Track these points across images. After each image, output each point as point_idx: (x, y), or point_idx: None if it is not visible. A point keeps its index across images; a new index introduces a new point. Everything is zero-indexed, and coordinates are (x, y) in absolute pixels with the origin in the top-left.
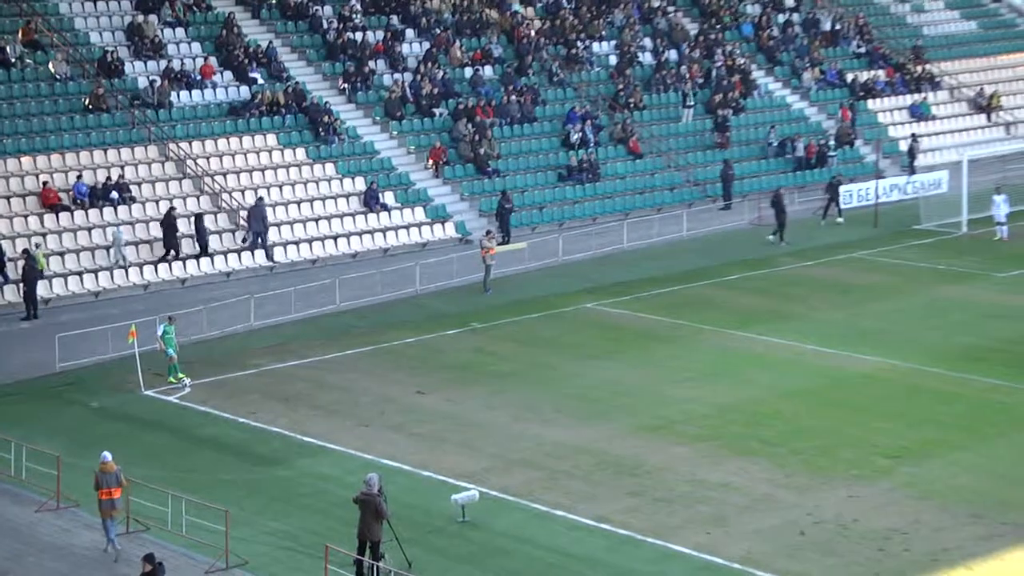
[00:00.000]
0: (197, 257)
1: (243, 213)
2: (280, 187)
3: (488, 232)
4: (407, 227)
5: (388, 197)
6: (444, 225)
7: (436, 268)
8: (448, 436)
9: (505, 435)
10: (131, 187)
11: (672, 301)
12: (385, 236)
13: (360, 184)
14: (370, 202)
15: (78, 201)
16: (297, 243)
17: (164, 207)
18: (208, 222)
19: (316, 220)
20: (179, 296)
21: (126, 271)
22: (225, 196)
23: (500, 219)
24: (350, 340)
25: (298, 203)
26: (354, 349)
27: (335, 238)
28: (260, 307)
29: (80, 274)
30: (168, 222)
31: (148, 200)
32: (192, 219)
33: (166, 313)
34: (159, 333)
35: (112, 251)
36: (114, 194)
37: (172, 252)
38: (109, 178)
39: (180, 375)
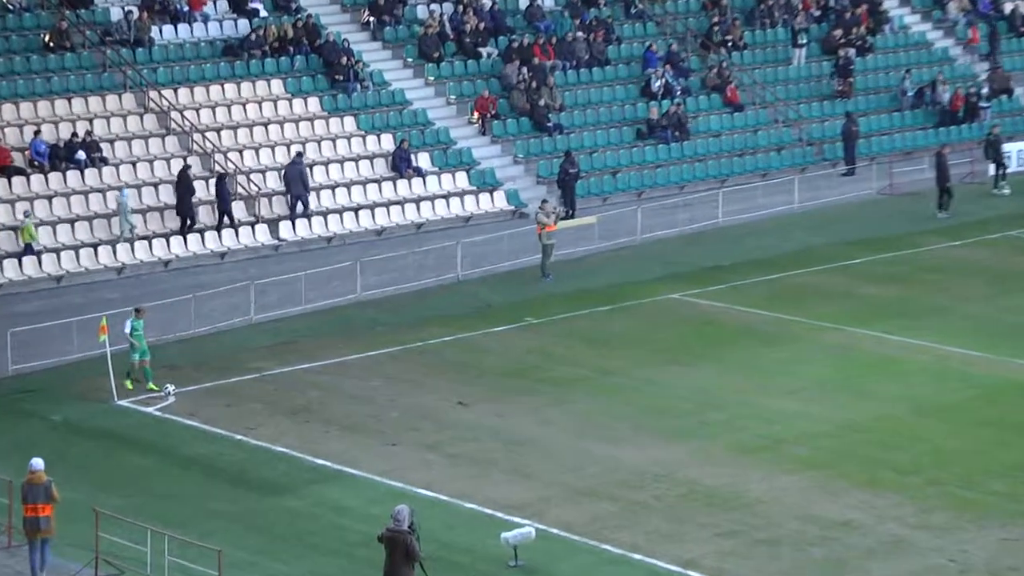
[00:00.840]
0: (218, 228)
1: (256, 178)
2: (287, 146)
3: (546, 204)
4: (446, 197)
5: (422, 159)
6: (492, 195)
7: (482, 248)
8: (496, 458)
9: (567, 457)
10: (101, 145)
11: (779, 291)
12: (419, 208)
13: (388, 143)
14: (400, 165)
15: (35, 163)
16: (308, 217)
17: (143, 171)
18: (200, 190)
19: (332, 188)
20: (159, 281)
21: (132, 246)
22: (219, 158)
23: (563, 187)
24: (374, 338)
25: (310, 166)
26: (379, 349)
27: (356, 210)
28: (262, 296)
29: (38, 254)
30: (184, 184)
31: (123, 162)
32: (213, 181)
33: (135, 304)
34: (126, 330)
35: (118, 220)
36: (80, 154)
37: (189, 221)
38: (75, 134)
39: (151, 384)
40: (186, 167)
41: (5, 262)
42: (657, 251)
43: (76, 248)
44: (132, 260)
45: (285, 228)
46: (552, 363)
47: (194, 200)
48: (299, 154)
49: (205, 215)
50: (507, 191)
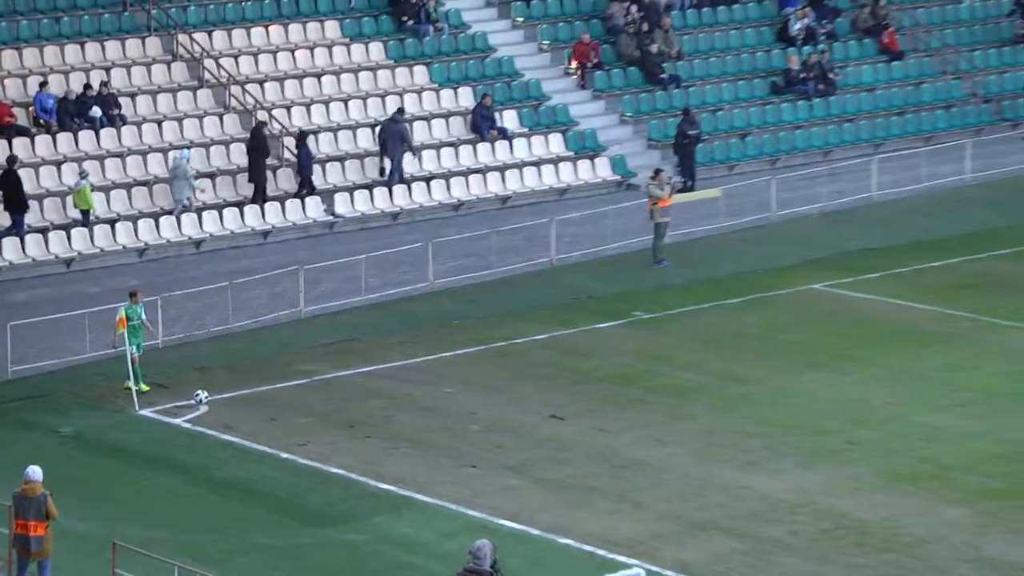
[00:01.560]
0: (301, 196)
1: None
2: (345, 102)
3: (660, 173)
4: (537, 164)
5: (509, 118)
6: (594, 162)
7: (581, 227)
8: (598, 484)
9: (685, 484)
10: (120, 100)
11: (947, 281)
12: (504, 177)
13: (466, 98)
14: (481, 126)
15: (41, 121)
16: (370, 187)
17: (171, 131)
18: (236, 155)
19: (341, 158)
20: (187, 266)
21: (200, 218)
22: (262, 115)
23: (680, 153)
24: (449, 336)
25: (371, 127)
26: (455, 349)
27: (427, 180)
28: (313, 284)
29: (43, 231)
30: (257, 142)
31: (146, 120)
32: (294, 138)
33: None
34: (118, 316)
35: (174, 186)
36: (95, 110)
37: (261, 192)
38: (88, 86)
39: (141, 385)
40: (260, 124)
41: (3, 243)
42: (795, 231)
43: (89, 225)
44: (157, 240)
45: (342, 202)
46: (666, 368)
47: (269, 163)
48: (400, 110)
49: (242, 186)
50: (612, 158)
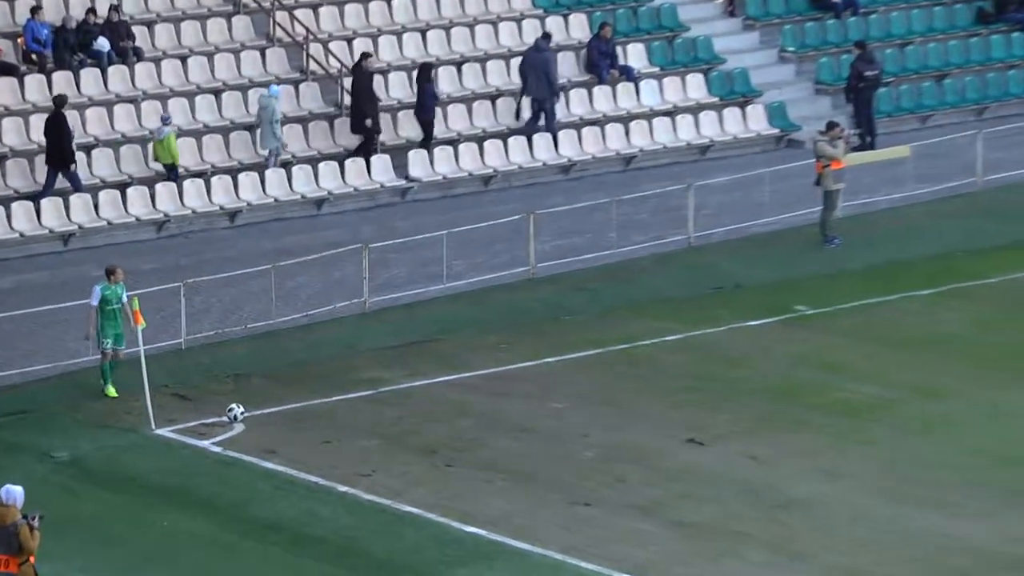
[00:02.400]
0: (428, 147)
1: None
2: (421, 32)
3: (833, 127)
4: (671, 114)
5: (634, 55)
6: (744, 111)
7: (728, 195)
8: (749, 529)
9: (862, 529)
10: (134, 29)
11: None
12: (627, 131)
13: (579, 28)
14: (599, 64)
15: (32, 56)
16: (454, 143)
17: (198, 67)
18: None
19: (491, 98)
20: (219, 243)
21: (235, 181)
22: (316, 49)
23: (857, 100)
24: (556, 336)
25: (457, 65)
26: (564, 353)
27: (528, 135)
28: (381, 267)
29: (34, 198)
30: (361, 83)
31: (167, 55)
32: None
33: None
34: (93, 301)
35: (259, 133)
36: (101, 42)
37: (375, 139)
38: (92, 11)
39: (109, 388)
40: (364, 56)
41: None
42: (1008, 202)
43: (93, 190)
44: (179, 210)
45: (417, 162)
46: (838, 379)
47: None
48: (546, 35)
49: (293, 140)
50: (769, 105)
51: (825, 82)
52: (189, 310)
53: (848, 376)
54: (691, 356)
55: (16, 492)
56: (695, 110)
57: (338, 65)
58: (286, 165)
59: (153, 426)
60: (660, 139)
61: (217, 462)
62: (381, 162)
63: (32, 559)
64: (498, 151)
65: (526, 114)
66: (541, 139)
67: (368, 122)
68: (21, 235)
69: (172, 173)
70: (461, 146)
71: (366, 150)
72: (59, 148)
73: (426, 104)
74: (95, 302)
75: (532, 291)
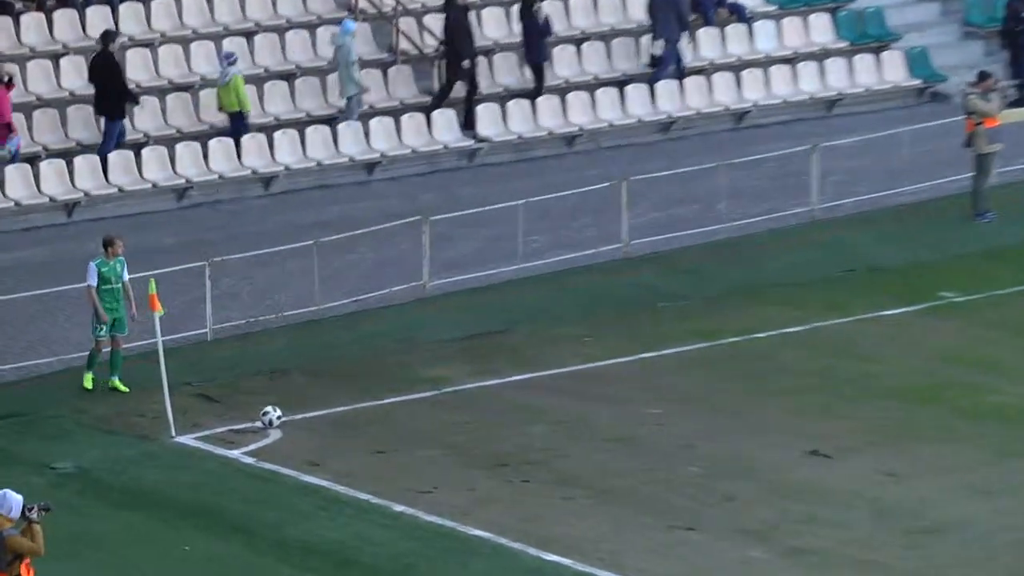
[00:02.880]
0: (534, 96)
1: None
2: None
3: (985, 78)
4: (791, 61)
5: None
6: (880, 57)
7: (858, 159)
8: (885, 558)
9: None
10: None
11: None
12: (739, 81)
13: None
14: (704, 2)
15: None
16: (680, 76)
17: (226, 5)
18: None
19: (576, 42)
20: (253, 215)
21: (270, 143)
22: None
23: (1013, 46)
24: (653, 328)
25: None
26: (661, 348)
27: (620, 85)
28: (444, 243)
29: (33, 160)
30: (455, 18)
31: None
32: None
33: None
34: (91, 280)
35: (341, 78)
36: None
37: (475, 85)
38: None
39: (116, 381)
40: None
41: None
42: None
43: (242, 130)
44: (204, 175)
45: (488, 118)
46: (994, 378)
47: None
48: None
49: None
50: (908, 51)
51: (975, 24)
52: (216, 294)
53: (1003, 376)
54: (815, 351)
55: (13, 499)
56: (819, 57)
57: (392, 2)
58: (331, 121)
59: (173, 432)
60: (777, 91)
61: (249, 475)
62: (444, 118)
63: (25, 564)
64: (583, 105)
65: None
66: (636, 91)
67: (466, 63)
68: (17, 204)
69: (239, 122)
70: (543, 100)
71: (467, 99)
72: (112, 92)
73: (533, 44)
74: (93, 281)
75: (624, 273)
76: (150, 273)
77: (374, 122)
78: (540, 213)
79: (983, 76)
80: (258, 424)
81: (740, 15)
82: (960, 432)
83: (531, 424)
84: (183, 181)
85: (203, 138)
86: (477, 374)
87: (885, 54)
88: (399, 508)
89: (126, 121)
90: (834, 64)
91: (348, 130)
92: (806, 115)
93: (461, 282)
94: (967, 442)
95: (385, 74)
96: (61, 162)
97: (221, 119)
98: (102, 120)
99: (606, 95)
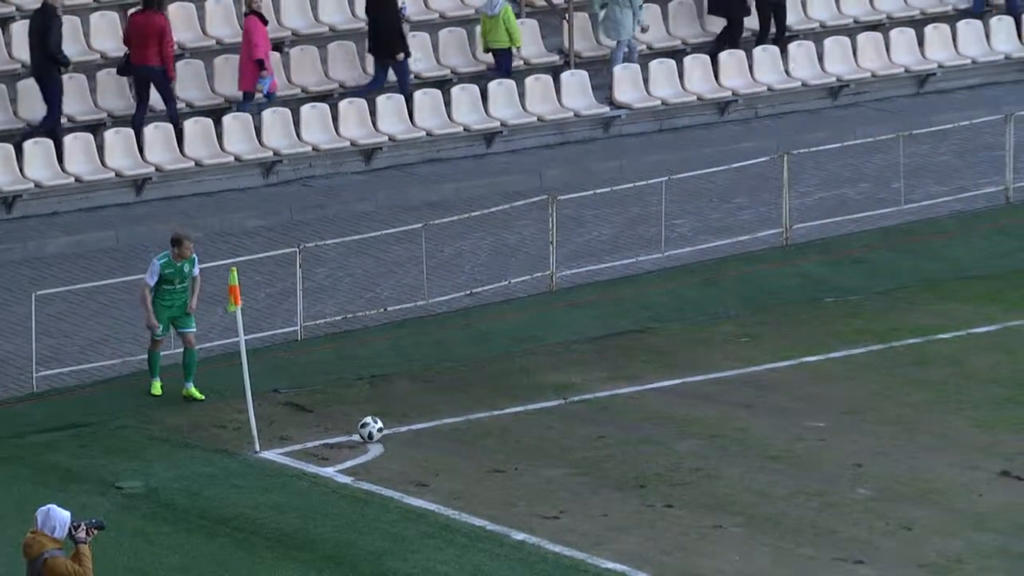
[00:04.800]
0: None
1: None
2: None
3: None
4: (982, 14)
5: None
6: None
7: None
8: None
9: None
10: None
11: None
12: (920, 40)
13: None
14: None
15: None
16: (678, 54)
17: None
18: None
19: None
20: (350, 194)
21: (447, 99)
22: None
23: None
24: (818, 326)
25: None
26: (828, 352)
27: (782, 40)
28: (572, 227)
29: (74, 130)
30: None
31: None
32: None
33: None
34: (150, 279)
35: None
36: None
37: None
38: None
39: (190, 388)
40: None
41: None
42: None
43: (166, 120)
44: (295, 147)
45: (626, 83)
46: None
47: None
48: None
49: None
50: None
51: None
52: (308, 286)
53: None
54: (1011, 356)
55: (59, 516)
56: (1017, 10)
57: None
58: (437, 85)
59: (257, 447)
60: (967, 51)
61: (345, 497)
62: (576, 81)
63: None
64: (738, 66)
65: None
66: (800, 50)
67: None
68: (77, 180)
69: (508, 61)
70: (689, 59)
71: (727, 39)
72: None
73: None
74: (151, 280)
75: (785, 263)
76: (231, 261)
77: (493, 85)
78: (686, 192)
79: None
80: (356, 438)
81: None
82: None
83: (675, 439)
84: (271, 154)
85: (293, 104)
86: (612, 380)
87: None
88: (520, 536)
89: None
90: None
91: (464, 95)
92: (1001, 78)
93: (593, 273)
94: None
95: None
96: (127, 131)
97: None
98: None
99: (766, 54)
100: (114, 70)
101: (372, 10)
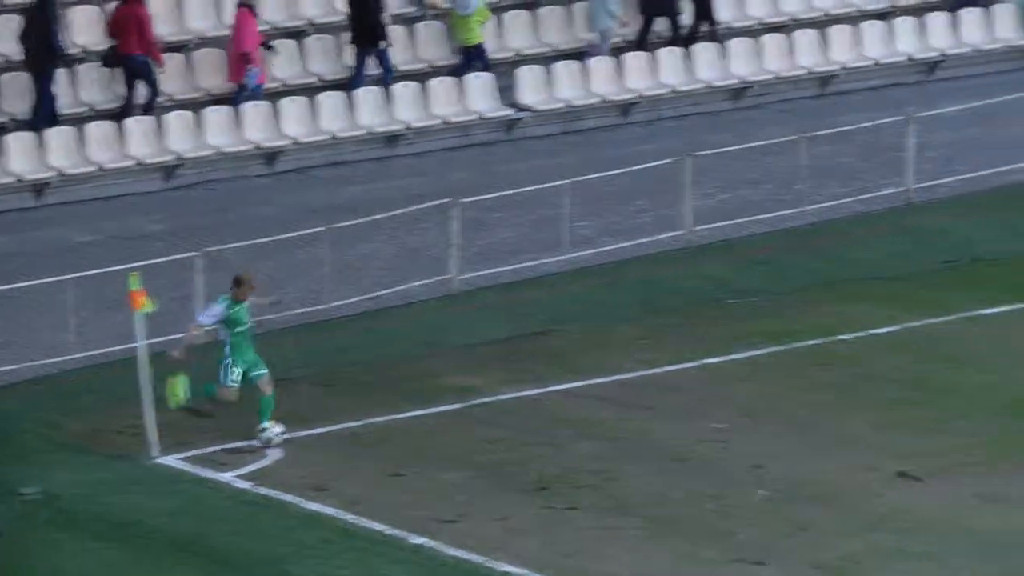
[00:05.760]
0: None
1: None
2: None
3: None
4: (885, 15)
5: None
6: (988, 11)
7: (960, 132)
8: None
9: None
10: None
11: None
12: (824, 39)
13: None
14: None
15: None
16: (581, 55)
17: None
18: None
19: None
20: (252, 197)
21: (275, 114)
22: None
23: None
24: (719, 328)
25: None
26: (728, 353)
27: (684, 42)
28: (477, 231)
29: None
30: None
31: None
32: None
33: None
34: (205, 316)
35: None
36: None
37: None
38: None
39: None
40: None
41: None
42: None
43: (78, 119)
44: (198, 150)
45: (529, 84)
46: None
47: None
48: None
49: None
50: (1015, 4)
51: None
52: (210, 290)
53: None
54: (909, 356)
55: None
56: (919, 11)
57: None
58: (306, 91)
59: (156, 452)
60: (870, 52)
61: (244, 502)
62: (481, 83)
63: None
64: (641, 69)
65: None
66: (704, 50)
67: None
68: (19, 181)
69: (480, 57)
70: (590, 62)
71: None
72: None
73: None
74: (208, 320)
75: (687, 264)
76: (132, 265)
77: (398, 87)
78: (590, 194)
79: None
80: (255, 443)
81: None
82: None
83: (576, 441)
84: (172, 157)
85: (196, 106)
86: (513, 383)
87: (995, 8)
88: (418, 540)
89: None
90: (935, 20)
91: (368, 96)
92: (902, 79)
93: (496, 275)
94: None
95: (411, 31)
96: (26, 135)
97: (217, 84)
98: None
99: (670, 56)
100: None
101: (356, 2)
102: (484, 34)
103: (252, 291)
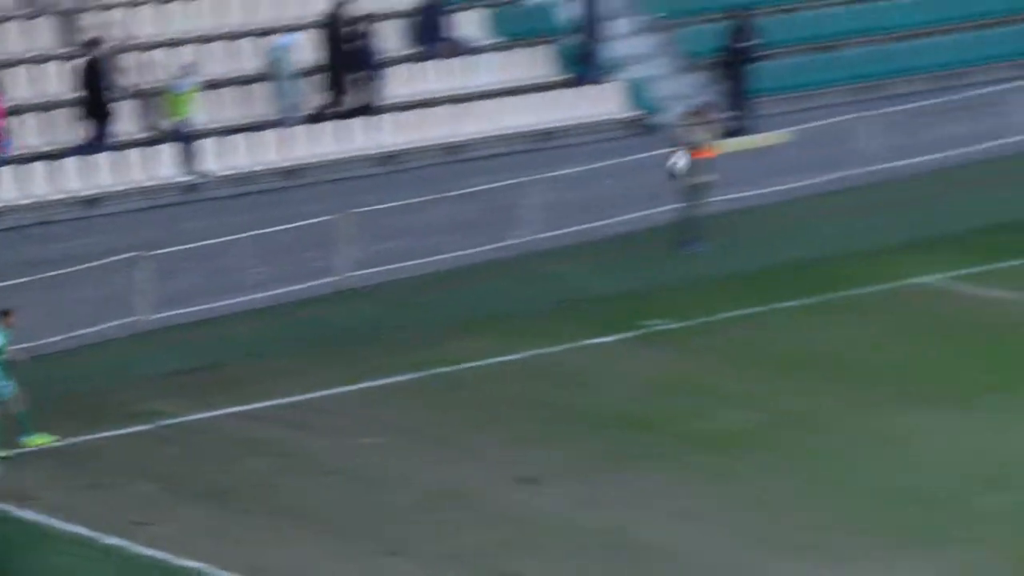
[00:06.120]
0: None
1: None
2: None
3: (700, 109)
4: (513, 93)
5: (467, 22)
6: (599, 89)
7: (573, 191)
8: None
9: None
10: None
11: None
12: (462, 114)
13: None
14: (427, 35)
15: None
16: (258, 128)
17: None
18: None
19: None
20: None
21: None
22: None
23: (728, 76)
24: (369, 359)
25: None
26: (377, 379)
27: (345, 116)
28: (164, 279)
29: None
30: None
31: None
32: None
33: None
34: None
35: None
36: None
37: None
38: None
39: (39, 438)
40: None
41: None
42: (901, 198)
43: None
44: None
45: (213, 152)
46: (699, 404)
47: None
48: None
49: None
50: (627, 82)
51: (693, 55)
52: None
53: (712, 401)
54: (526, 381)
55: None
56: (540, 88)
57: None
58: (49, 157)
59: None
60: (506, 122)
61: None
62: (166, 152)
63: None
64: (309, 139)
65: None
66: (359, 124)
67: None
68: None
69: (185, 132)
70: (264, 133)
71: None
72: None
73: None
74: None
75: (342, 305)
76: None
77: (102, 157)
78: (263, 247)
79: (698, 106)
80: None
81: (462, 48)
82: (667, 457)
83: (247, 456)
84: None
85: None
86: (194, 407)
87: (604, 87)
88: (111, 540)
89: None
90: (555, 97)
91: (74, 164)
92: (525, 146)
93: (179, 316)
94: (673, 467)
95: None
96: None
97: None
98: None
99: (333, 129)
100: None
101: (88, 81)
102: (191, 110)
103: (12, 322)
